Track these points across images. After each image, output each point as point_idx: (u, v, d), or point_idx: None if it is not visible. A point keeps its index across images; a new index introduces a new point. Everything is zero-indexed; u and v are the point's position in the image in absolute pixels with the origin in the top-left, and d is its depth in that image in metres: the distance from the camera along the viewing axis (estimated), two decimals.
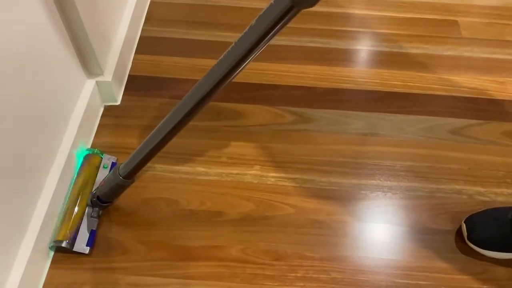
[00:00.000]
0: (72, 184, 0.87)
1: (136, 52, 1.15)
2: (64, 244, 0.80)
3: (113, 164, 0.92)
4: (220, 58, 0.60)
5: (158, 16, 1.24)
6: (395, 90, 1.08)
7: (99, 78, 0.97)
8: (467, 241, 0.83)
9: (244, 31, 0.58)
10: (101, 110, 1.02)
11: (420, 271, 0.82)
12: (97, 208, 0.84)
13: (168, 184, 0.91)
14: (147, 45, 1.17)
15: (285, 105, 1.04)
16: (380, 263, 0.83)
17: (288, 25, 1.35)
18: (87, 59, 0.93)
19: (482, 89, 1.09)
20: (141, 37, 1.18)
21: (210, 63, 1.10)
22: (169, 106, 1.02)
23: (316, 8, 1.33)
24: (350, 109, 1.04)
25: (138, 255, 0.82)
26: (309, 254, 0.83)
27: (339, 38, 1.19)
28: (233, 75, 0.61)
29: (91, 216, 0.84)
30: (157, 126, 0.70)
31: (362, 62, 1.15)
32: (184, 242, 0.84)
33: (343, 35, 1.20)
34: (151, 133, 0.71)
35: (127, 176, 0.77)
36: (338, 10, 1.26)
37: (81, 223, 0.83)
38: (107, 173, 0.88)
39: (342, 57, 1.15)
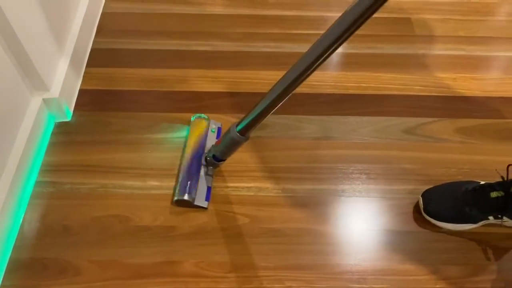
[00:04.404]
0: (185, 147, 0.94)
1: (88, 66, 1.12)
2: (186, 197, 0.86)
3: (219, 129, 0.99)
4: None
5: (110, 27, 1.22)
6: (349, 92, 1.08)
7: (46, 95, 0.95)
8: (423, 214, 0.86)
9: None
10: (51, 127, 1.00)
11: (375, 275, 0.82)
12: (211, 167, 0.91)
13: (120, 200, 0.89)
14: (99, 57, 1.15)
15: (239, 112, 1.03)
16: (335, 268, 0.82)
17: (240, 31, 1.34)
18: (30, 77, 0.91)
19: (435, 87, 1.09)
20: (92, 50, 1.16)
21: (164, 72, 1.12)
22: (123, 120, 1.02)
23: (269, 12, 1.32)
24: (304, 114, 1.03)
25: (90, 276, 0.81)
26: (263, 264, 0.82)
27: (293, 41, 1.19)
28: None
29: (207, 174, 0.90)
30: (272, 87, 0.73)
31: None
32: (138, 260, 0.83)
33: (297, 38, 1.20)
34: (267, 93, 0.74)
35: (242, 132, 0.80)
36: (292, 13, 1.26)
37: (198, 181, 0.88)
38: (215, 137, 0.97)
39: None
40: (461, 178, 0.92)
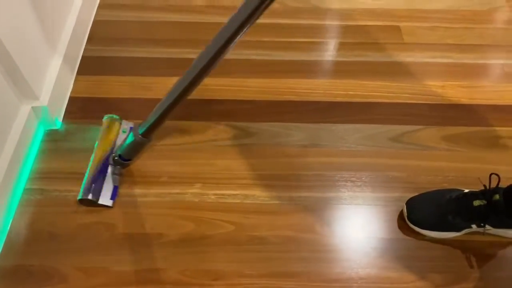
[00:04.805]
0: (95, 147, 0.95)
1: (78, 73, 1.13)
2: (90, 197, 0.88)
3: (131, 129, 0.96)
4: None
5: (102, 35, 1.22)
6: (337, 99, 1.09)
7: (35, 103, 0.96)
8: (407, 221, 0.86)
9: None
10: (41, 135, 1.00)
11: (359, 282, 0.82)
12: (119, 166, 0.93)
13: (107, 207, 0.90)
14: (90, 65, 1.15)
15: (227, 120, 1.04)
16: (320, 276, 0.83)
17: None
18: (18, 85, 0.91)
19: (422, 94, 1.10)
20: (83, 57, 1.16)
21: (154, 80, 1.12)
22: None
23: (261, 20, 1.33)
24: (292, 121, 1.04)
25: (76, 283, 0.81)
26: (248, 272, 0.83)
27: (283, 49, 1.20)
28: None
29: (114, 174, 0.92)
30: (171, 89, 0.76)
31: (305, 73, 1.15)
32: (123, 267, 0.83)
33: (287, 46, 1.21)
34: (165, 96, 0.78)
35: (144, 135, 0.84)
36: (284, 21, 1.27)
37: (104, 180, 0.91)
38: (125, 137, 0.96)
39: (286, 69, 1.15)
40: (446, 185, 0.92)
